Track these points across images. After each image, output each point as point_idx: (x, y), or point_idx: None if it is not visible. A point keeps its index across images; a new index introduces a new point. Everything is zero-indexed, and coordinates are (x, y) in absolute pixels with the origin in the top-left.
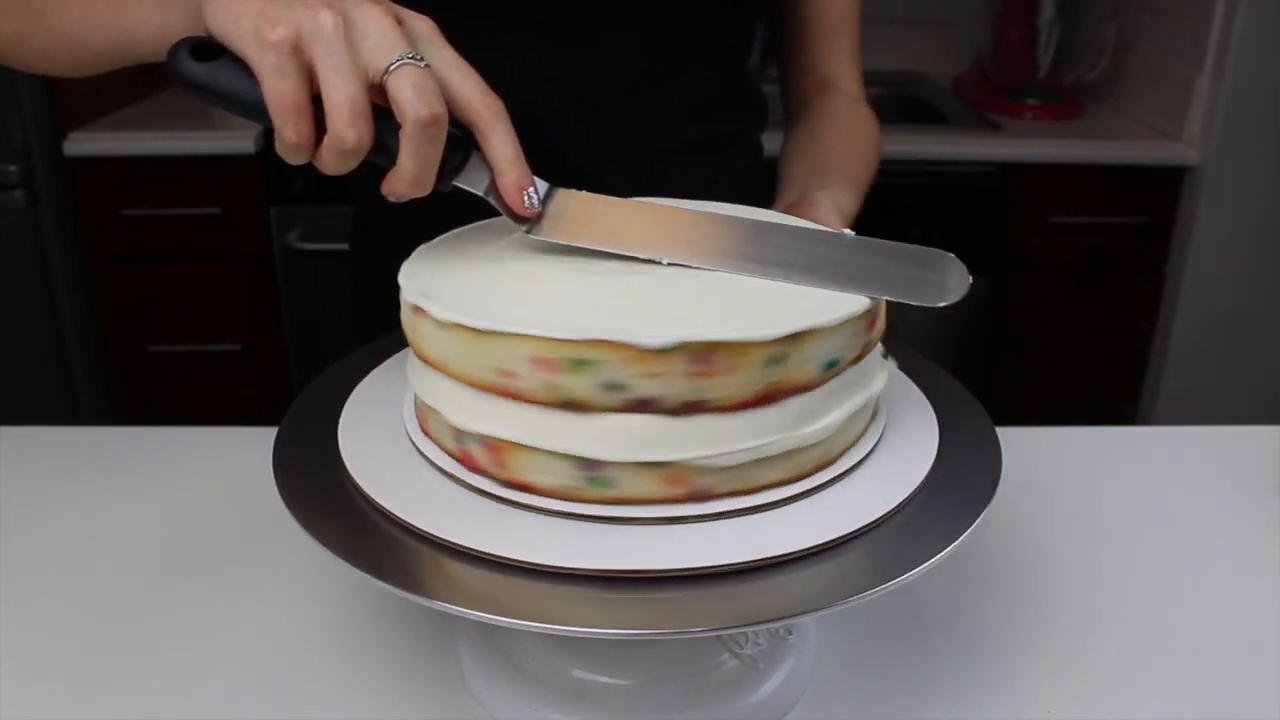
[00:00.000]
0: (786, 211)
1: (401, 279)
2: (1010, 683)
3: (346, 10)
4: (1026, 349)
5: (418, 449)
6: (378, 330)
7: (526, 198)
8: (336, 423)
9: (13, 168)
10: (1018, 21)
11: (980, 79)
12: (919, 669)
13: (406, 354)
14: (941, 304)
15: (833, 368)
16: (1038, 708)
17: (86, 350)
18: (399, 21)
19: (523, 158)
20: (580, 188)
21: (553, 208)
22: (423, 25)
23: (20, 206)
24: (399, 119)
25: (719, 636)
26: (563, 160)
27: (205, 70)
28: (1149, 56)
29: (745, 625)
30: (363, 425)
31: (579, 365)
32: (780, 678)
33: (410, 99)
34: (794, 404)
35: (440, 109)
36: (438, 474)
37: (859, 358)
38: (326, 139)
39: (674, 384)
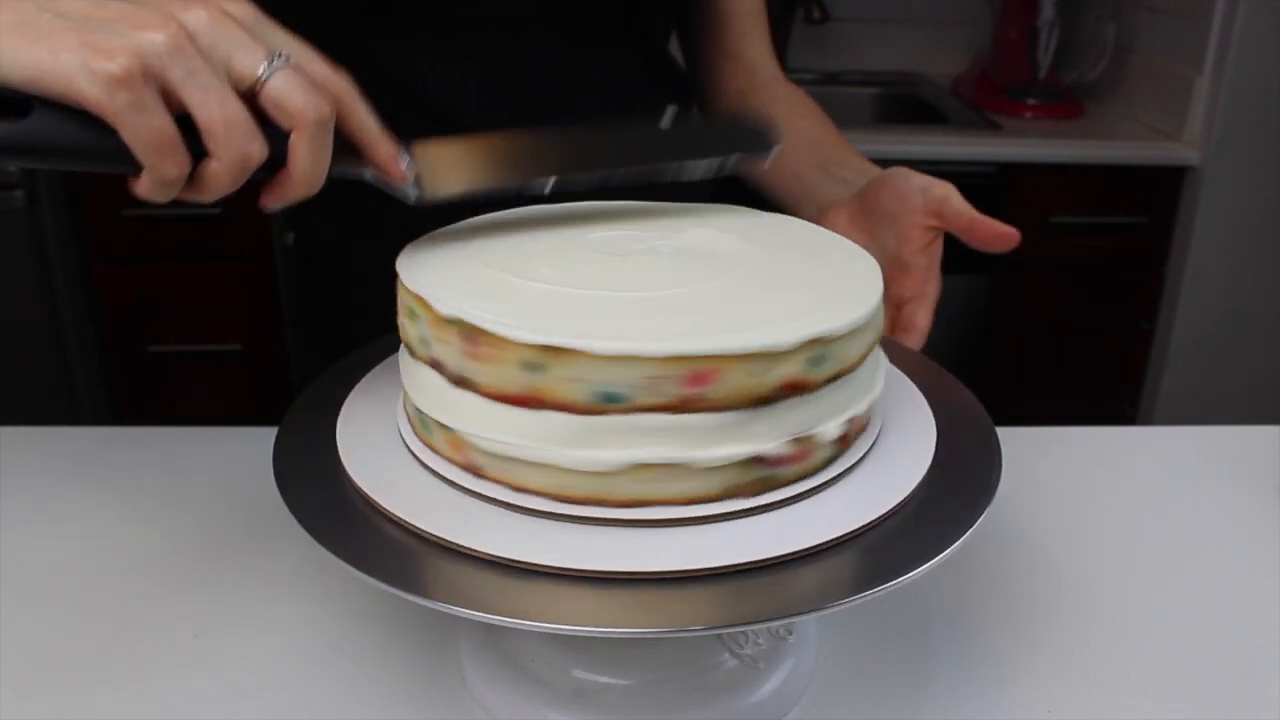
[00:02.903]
0: (865, 206)
1: (439, 301)
2: (1010, 683)
3: (179, 19)
4: (1026, 349)
5: (414, 454)
6: (322, 329)
7: (401, 164)
8: (336, 423)
9: (12, 168)
10: (1018, 21)
11: (980, 79)
12: (919, 669)
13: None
14: (770, 153)
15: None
16: (1038, 708)
17: (86, 350)
18: (225, 13)
19: (384, 127)
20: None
21: (422, 165)
22: (248, 11)
23: (20, 206)
24: (289, 124)
25: (719, 636)
26: None
27: (22, 130)
28: (1149, 56)
29: (745, 625)
30: (361, 426)
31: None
32: (780, 678)
33: (303, 102)
34: (796, 404)
35: (330, 103)
36: (435, 474)
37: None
38: (218, 164)
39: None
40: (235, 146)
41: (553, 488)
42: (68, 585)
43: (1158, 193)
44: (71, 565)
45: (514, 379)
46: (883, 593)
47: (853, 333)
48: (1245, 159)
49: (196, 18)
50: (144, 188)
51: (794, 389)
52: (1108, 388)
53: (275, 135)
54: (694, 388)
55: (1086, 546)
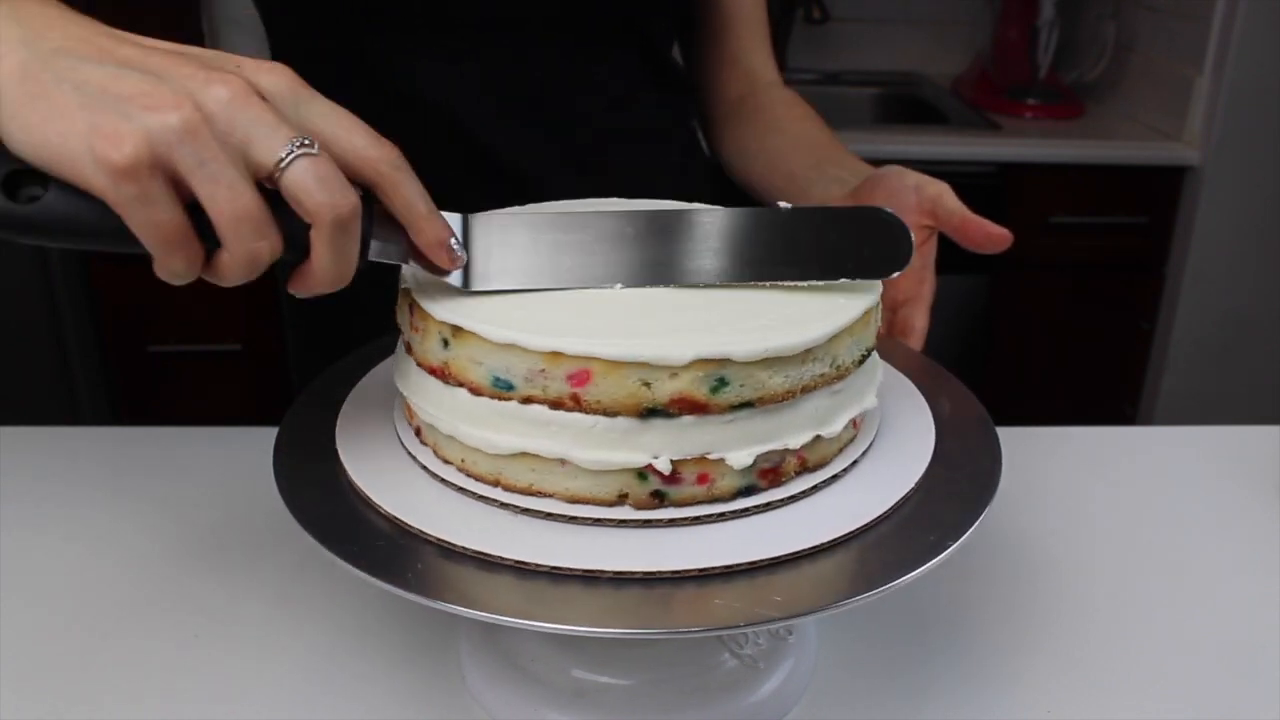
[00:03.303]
0: (860, 203)
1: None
2: (1010, 683)
3: (196, 99)
4: (1026, 349)
5: (414, 457)
6: (322, 329)
7: (451, 250)
8: (336, 423)
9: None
10: (1018, 21)
11: (980, 79)
12: (919, 669)
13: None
14: (894, 274)
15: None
16: (1038, 708)
17: (86, 350)
18: (256, 91)
19: (434, 206)
20: (523, 187)
21: (476, 247)
22: (283, 81)
23: None
24: (308, 218)
25: (719, 636)
26: (504, 163)
27: (35, 212)
28: (1149, 56)
29: (745, 625)
30: (361, 426)
31: (631, 380)
32: (780, 678)
33: (322, 199)
34: (693, 424)
35: (353, 196)
36: (434, 475)
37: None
38: (229, 257)
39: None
40: (243, 242)
41: (460, 461)
42: (68, 585)
43: (1158, 193)
44: (71, 565)
45: (435, 352)
46: (883, 593)
47: (766, 362)
48: (1245, 159)
49: (216, 97)
50: (158, 272)
51: (691, 408)
52: (1108, 388)
53: (299, 225)
54: (576, 387)
55: (1086, 547)
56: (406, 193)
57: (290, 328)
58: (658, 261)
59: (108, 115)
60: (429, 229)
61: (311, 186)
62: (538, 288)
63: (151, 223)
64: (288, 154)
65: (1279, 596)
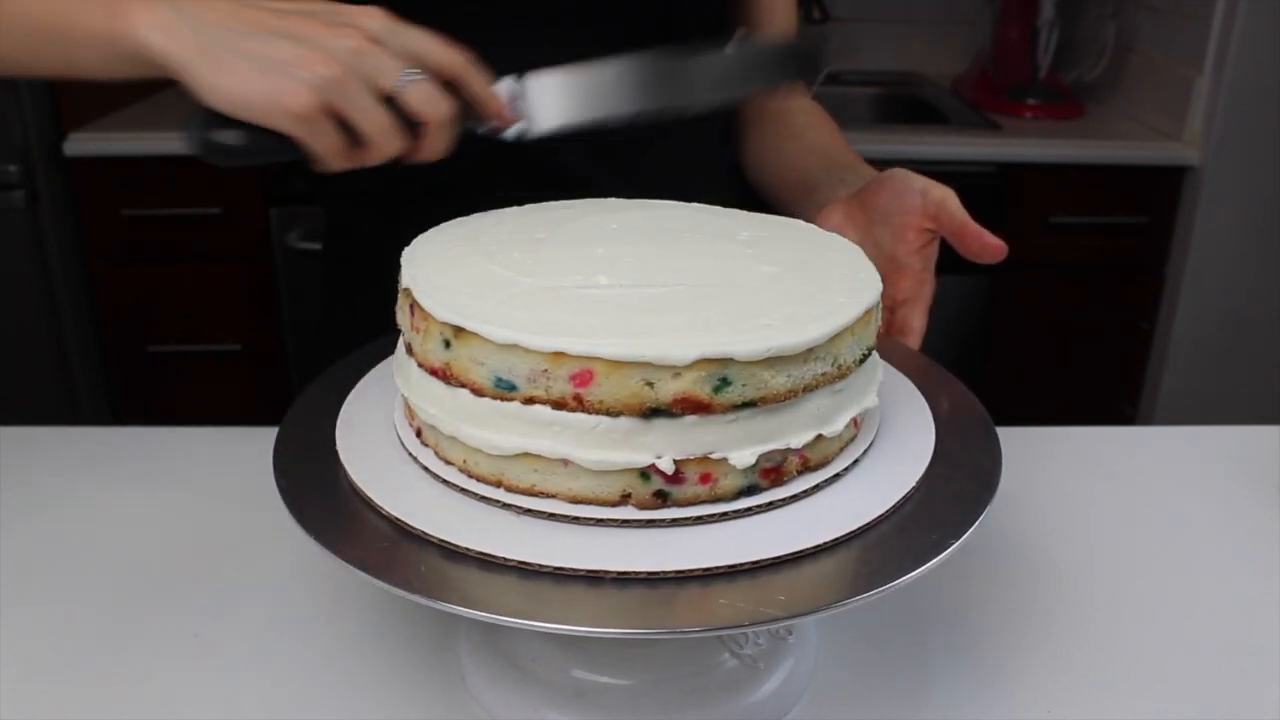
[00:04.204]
0: (863, 204)
1: (427, 299)
2: (1010, 683)
3: (333, 53)
4: (1026, 349)
5: (414, 457)
6: (352, 328)
7: (513, 112)
8: (336, 423)
9: (13, 168)
10: (1018, 21)
11: (980, 79)
12: (919, 669)
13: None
14: (819, 76)
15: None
16: (1038, 708)
17: (86, 350)
18: (367, 36)
19: (491, 86)
20: (555, 182)
21: (531, 104)
22: (377, 21)
23: (20, 206)
24: (423, 121)
25: (719, 636)
26: (534, 159)
27: (229, 142)
28: (1149, 56)
29: (745, 625)
30: (361, 426)
31: (630, 379)
32: (780, 678)
33: (430, 110)
34: (696, 424)
35: (447, 105)
36: (434, 475)
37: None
38: (374, 152)
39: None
40: (387, 142)
41: (462, 463)
42: (68, 585)
43: (1158, 193)
44: (71, 565)
45: (436, 353)
46: (883, 593)
47: (768, 362)
48: (1245, 159)
49: (346, 48)
50: (318, 168)
51: (693, 408)
52: (1108, 388)
53: (414, 124)
54: (579, 387)
55: (1086, 547)
56: (478, 84)
57: (290, 328)
58: (665, 93)
59: (279, 78)
60: (493, 100)
61: (423, 102)
62: (583, 121)
63: (323, 144)
64: (402, 82)
65: (1279, 596)
